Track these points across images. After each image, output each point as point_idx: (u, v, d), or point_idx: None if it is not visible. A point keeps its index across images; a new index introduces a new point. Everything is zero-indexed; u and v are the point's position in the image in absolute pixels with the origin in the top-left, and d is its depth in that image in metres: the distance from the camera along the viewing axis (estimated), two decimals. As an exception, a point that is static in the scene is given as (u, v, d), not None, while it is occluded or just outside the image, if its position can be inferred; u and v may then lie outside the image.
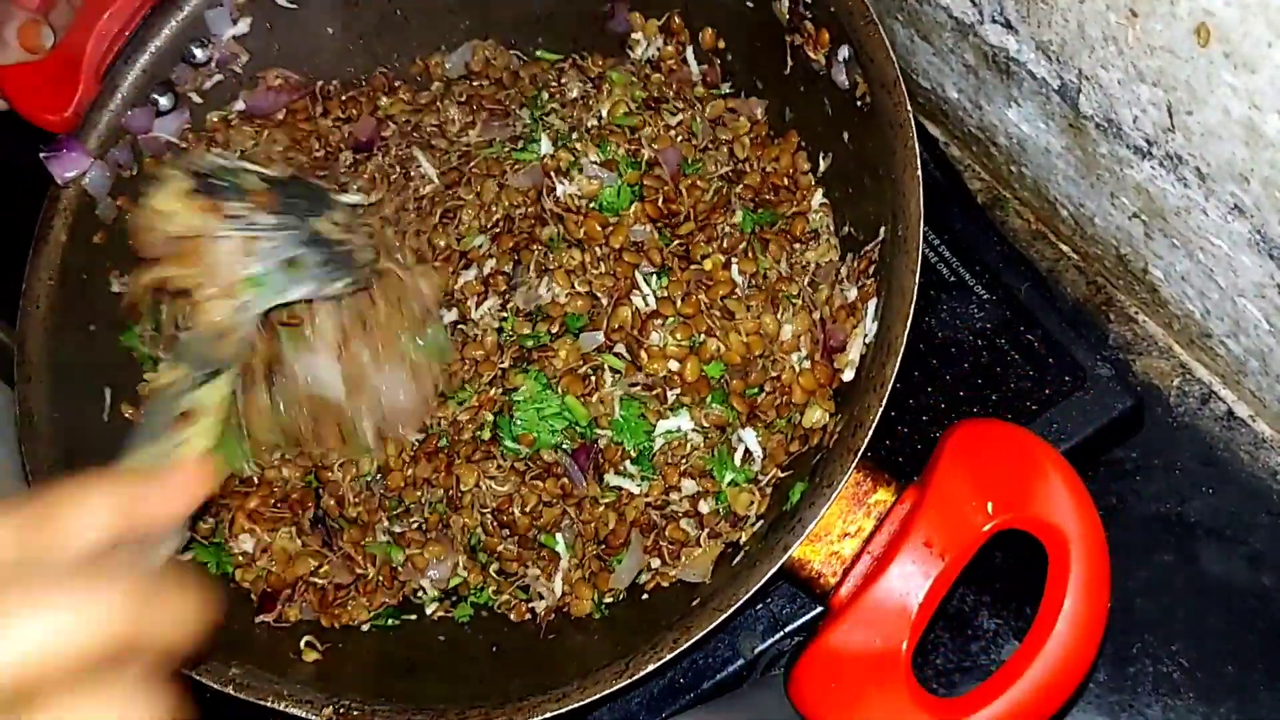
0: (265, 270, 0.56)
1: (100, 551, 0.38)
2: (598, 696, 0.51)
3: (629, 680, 0.50)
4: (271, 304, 0.57)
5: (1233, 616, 0.63)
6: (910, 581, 0.51)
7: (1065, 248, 0.76)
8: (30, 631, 0.33)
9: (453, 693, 0.56)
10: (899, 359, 0.51)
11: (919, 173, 0.54)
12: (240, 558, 0.64)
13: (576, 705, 0.51)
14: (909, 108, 0.55)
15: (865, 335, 0.57)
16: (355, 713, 0.55)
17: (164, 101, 0.71)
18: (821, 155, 0.65)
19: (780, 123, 0.68)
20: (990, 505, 0.52)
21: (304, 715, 0.55)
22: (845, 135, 0.62)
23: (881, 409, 0.50)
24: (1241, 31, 0.46)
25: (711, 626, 0.50)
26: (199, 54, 0.72)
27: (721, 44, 0.70)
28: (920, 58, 0.76)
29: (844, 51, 0.60)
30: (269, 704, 0.55)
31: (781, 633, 0.60)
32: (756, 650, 0.60)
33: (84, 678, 0.34)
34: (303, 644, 0.60)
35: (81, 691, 0.34)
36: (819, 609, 0.59)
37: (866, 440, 0.50)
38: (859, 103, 0.59)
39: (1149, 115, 0.56)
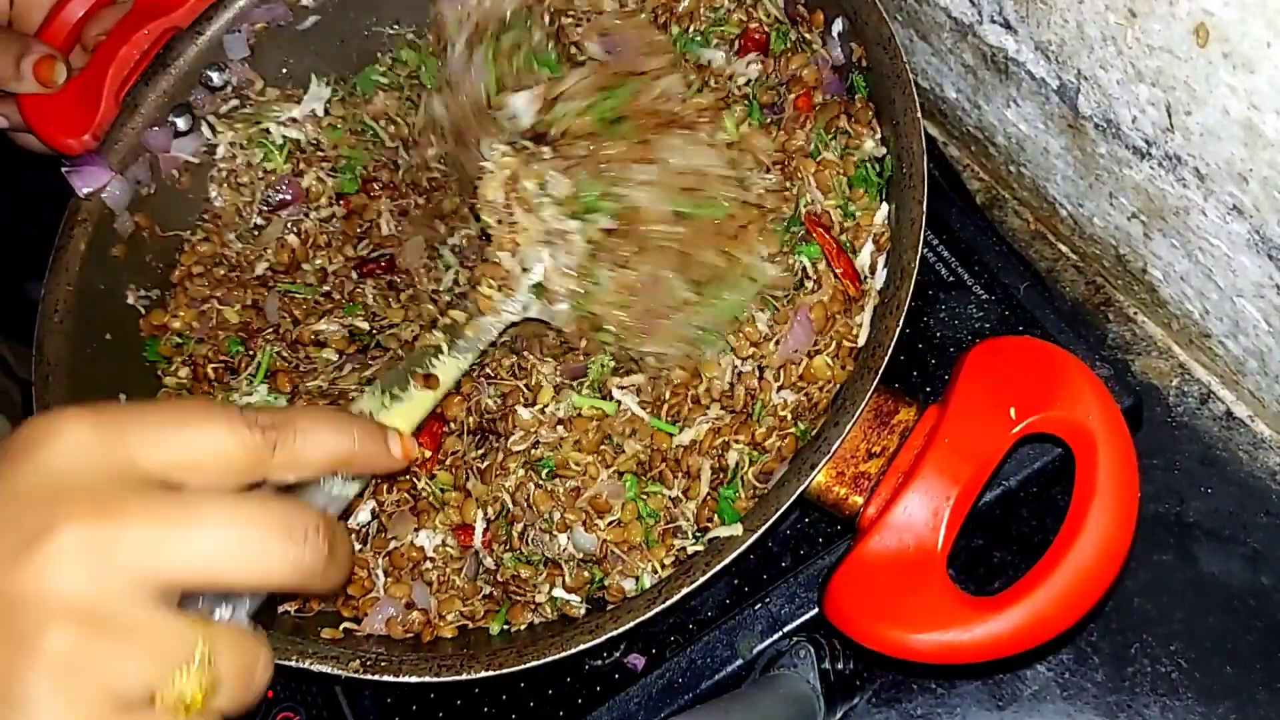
0: (541, 280, 0.60)
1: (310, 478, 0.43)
2: (632, 624, 0.51)
3: (664, 605, 0.51)
4: (531, 317, 0.61)
5: (1231, 616, 0.63)
6: (940, 489, 0.52)
7: (1064, 248, 0.76)
8: (220, 540, 0.36)
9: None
10: (912, 282, 0.54)
11: (918, 114, 0.57)
12: None
13: (611, 635, 0.52)
14: (904, 59, 0.58)
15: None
16: (383, 663, 0.55)
17: (181, 123, 0.73)
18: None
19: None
20: (1013, 410, 0.53)
21: (330, 670, 0.54)
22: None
23: (899, 329, 0.53)
24: (1240, 31, 0.46)
25: (743, 548, 0.51)
26: (216, 78, 0.74)
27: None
28: (919, 58, 0.76)
29: (839, 25, 0.62)
30: (294, 663, 0.54)
31: (780, 633, 0.60)
32: (755, 650, 0.60)
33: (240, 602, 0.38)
34: (323, 631, 0.60)
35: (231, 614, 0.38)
36: (816, 610, 0.59)
37: (886, 359, 0.52)
38: (857, 67, 0.62)
39: (1148, 115, 0.56)
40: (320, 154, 0.75)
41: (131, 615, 0.35)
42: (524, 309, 0.61)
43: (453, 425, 0.63)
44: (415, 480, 0.62)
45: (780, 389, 0.59)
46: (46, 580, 0.34)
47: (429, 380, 0.58)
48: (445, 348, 0.60)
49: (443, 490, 0.62)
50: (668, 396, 0.60)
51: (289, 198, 0.73)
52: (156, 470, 0.37)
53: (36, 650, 0.33)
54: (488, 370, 0.64)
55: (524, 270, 0.61)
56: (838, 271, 0.59)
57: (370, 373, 0.65)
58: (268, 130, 0.74)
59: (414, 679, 0.54)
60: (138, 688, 0.35)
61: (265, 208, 0.74)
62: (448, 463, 0.62)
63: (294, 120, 0.75)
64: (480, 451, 0.62)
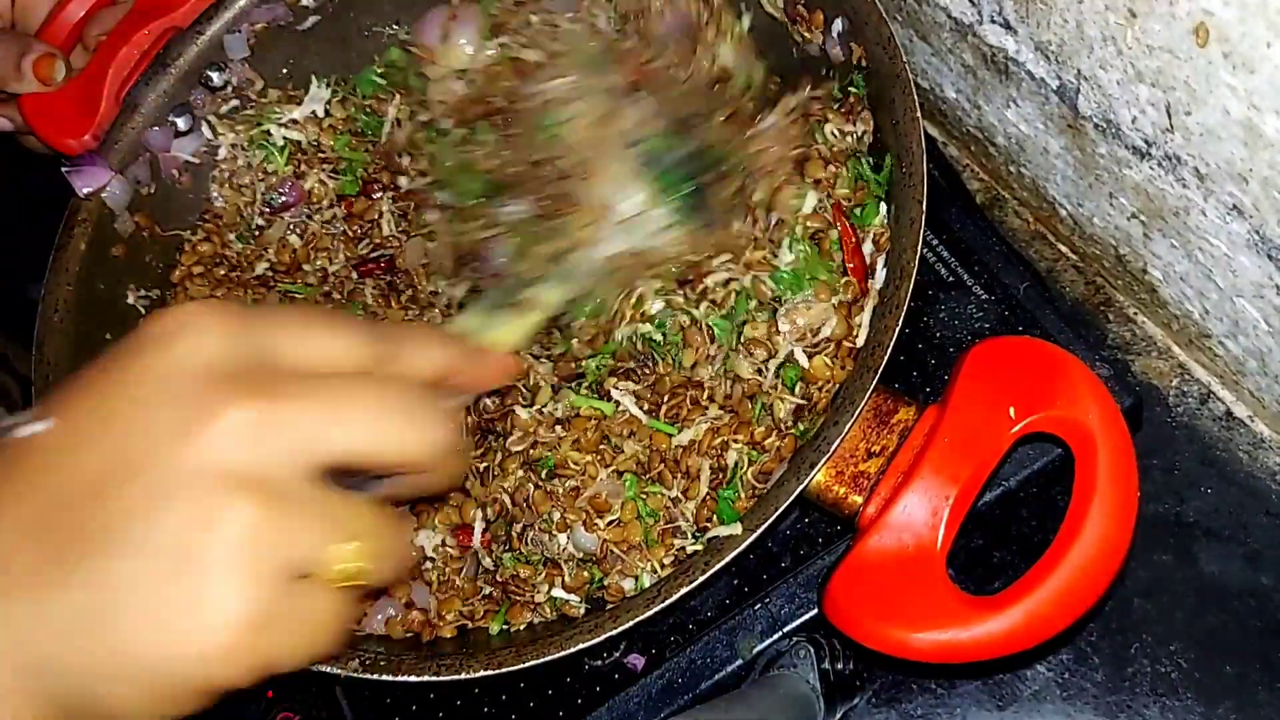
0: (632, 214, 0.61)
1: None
2: (631, 624, 0.51)
3: (663, 605, 0.51)
4: (631, 246, 0.61)
5: (1231, 616, 0.63)
6: (939, 489, 0.52)
7: (1064, 248, 0.76)
8: (374, 419, 0.38)
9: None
10: (911, 281, 0.54)
11: (918, 115, 0.57)
12: None
13: (610, 634, 0.52)
14: (904, 59, 0.58)
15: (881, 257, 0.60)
16: (382, 663, 0.54)
17: (181, 123, 0.73)
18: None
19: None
20: (1013, 410, 0.53)
21: (330, 670, 0.54)
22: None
23: (898, 328, 0.53)
24: (1240, 31, 0.46)
25: (743, 547, 0.51)
26: (216, 78, 0.74)
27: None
28: (919, 58, 0.76)
29: (838, 25, 0.62)
30: None
31: (780, 633, 0.60)
32: (755, 650, 0.60)
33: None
34: None
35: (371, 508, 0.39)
36: (816, 610, 0.59)
37: (885, 359, 0.52)
38: (856, 67, 0.62)
39: (1148, 115, 0.56)
40: (321, 155, 0.75)
41: (301, 490, 0.36)
42: (625, 237, 0.62)
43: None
44: None
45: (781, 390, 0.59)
46: (220, 454, 0.35)
47: (529, 304, 0.59)
48: (547, 275, 0.60)
49: None
50: (667, 397, 0.60)
51: (291, 200, 0.74)
52: (294, 363, 0.39)
53: (213, 518, 0.34)
54: None
55: (617, 203, 0.61)
56: (849, 266, 0.59)
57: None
58: (269, 132, 0.75)
59: (414, 679, 0.54)
60: (307, 559, 0.36)
61: (267, 209, 0.74)
62: None
63: (294, 122, 0.75)
64: (479, 452, 0.62)
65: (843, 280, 0.60)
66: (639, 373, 0.62)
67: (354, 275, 0.71)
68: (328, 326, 0.40)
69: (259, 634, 0.35)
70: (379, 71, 0.77)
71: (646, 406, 0.61)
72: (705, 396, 0.60)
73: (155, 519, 0.34)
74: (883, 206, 0.61)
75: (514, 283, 0.61)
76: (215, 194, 0.74)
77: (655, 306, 0.63)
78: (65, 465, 0.35)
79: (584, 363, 0.62)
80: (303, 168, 0.74)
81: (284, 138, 0.75)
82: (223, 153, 0.74)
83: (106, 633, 0.34)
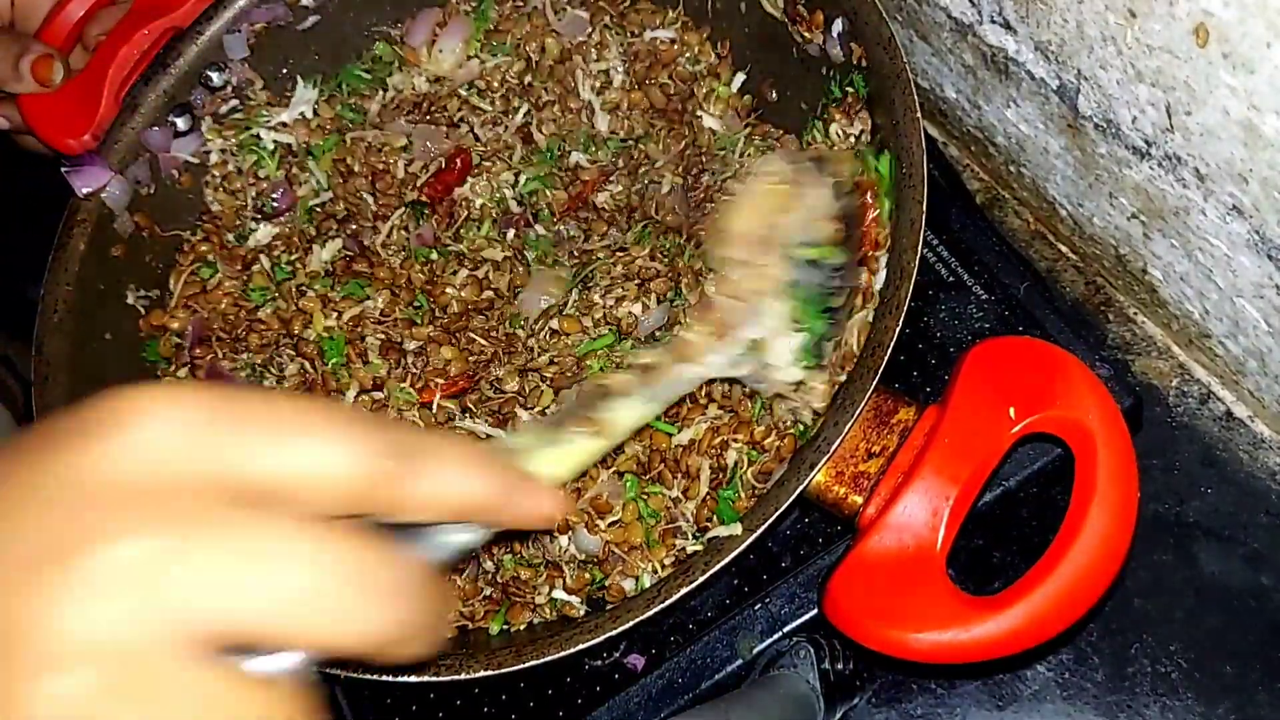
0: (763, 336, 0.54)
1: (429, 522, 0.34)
2: (631, 624, 0.51)
3: (662, 605, 0.51)
4: (736, 375, 0.55)
5: (1231, 616, 0.63)
6: (939, 489, 0.52)
7: (1064, 248, 0.76)
8: (297, 588, 0.28)
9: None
10: (911, 282, 0.54)
11: (918, 115, 0.57)
12: None
13: (610, 635, 0.52)
14: (904, 59, 0.58)
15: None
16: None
17: (181, 123, 0.73)
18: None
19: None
20: (1013, 410, 0.53)
21: (330, 670, 0.54)
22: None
23: (898, 329, 0.53)
24: (1240, 32, 0.46)
25: (743, 547, 0.51)
26: (215, 78, 0.74)
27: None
28: (919, 58, 0.76)
29: (838, 25, 0.62)
30: None
31: (780, 633, 0.60)
32: (755, 650, 0.60)
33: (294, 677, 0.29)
34: None
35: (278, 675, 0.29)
36: (816, 610, 0.59)
37: (885, 359, 0.52)
38: (856, 68, 0.62)
39: (1148, 116, 0.56)
40: (312, 157, 0.75)
41: (167, 669, 0.27)
42: (733, 364, 0.54)
43: None
44: None
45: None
46: (75, 605, 0.26)
47: (599, 425, 0.48)
48: (630, 392, 0.50)
49: None
50: None
51: (283, 206, 0.73)
52: (254, 483, 0.29)
53: (36, 692, 0.26)
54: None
55: (750, 320, 0.53)
56: (865, 253, 0.57)
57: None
58: (258, 136, 0.74)
59: (413, 679, 0.54)
60: None
61: (259, 216, 0.74)
62: None
63: (284, 125, 0.75)
64: None
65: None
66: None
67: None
68: (325, 436, 0.30)
69: None
70: (364, 66, 0.77)
71: None
72: (705, 395, 0.60)
73: None
74: (884, 202, 0.61)
75: (578, 405, 0.50)
76: (210, 199, 0.74)
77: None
78: None
79: (585, 364, 0.62)
80: (294, 170, 0.74)
81: (274, 141, 0.74)
82: (214, 158, 0.74)
83: None
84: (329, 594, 0.28)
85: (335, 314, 0.68)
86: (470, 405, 0.63)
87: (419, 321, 0.67)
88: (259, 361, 0.68)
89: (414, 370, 0.64)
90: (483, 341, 0.65)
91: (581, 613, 0.59)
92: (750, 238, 0.54)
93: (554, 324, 0.64)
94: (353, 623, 0.29)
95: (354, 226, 0.71)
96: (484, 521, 0.36)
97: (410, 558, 0.31)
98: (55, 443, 0.28)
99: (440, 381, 0.63)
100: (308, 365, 0.67)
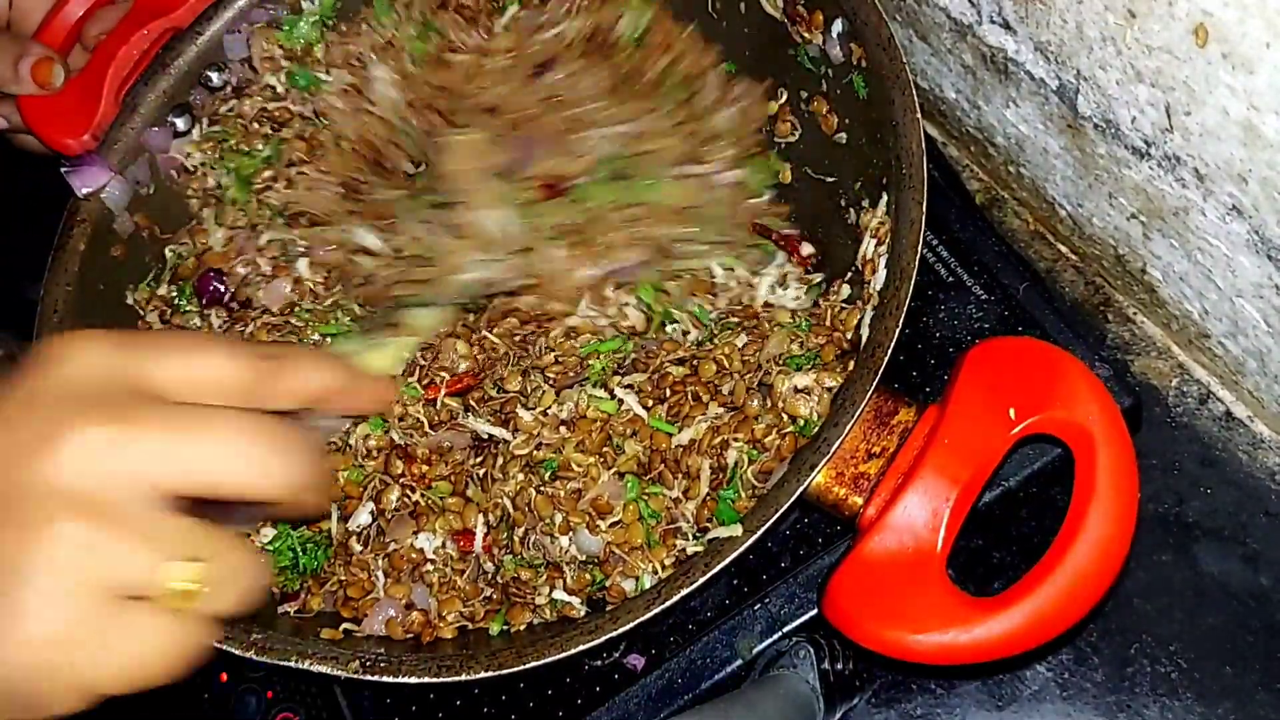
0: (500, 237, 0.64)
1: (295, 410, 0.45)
2: (631, 625, 0.51)
3: (662, 606, 0.51)
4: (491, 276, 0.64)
5: (1230, 617, 0.63)
6: (939, 490, 0.52)
7: (1063, 248, 0.76)
8: (223, 449, 0.39)
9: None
10: (911, 282, 0.54)
11: (917, 115, 0.57)
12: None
13: (610, 635, 0.52)
14: (904, 59, 0.58)
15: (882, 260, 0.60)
16: (383, 664, 0.54)
17: (181, 123, 0.73)
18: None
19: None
20: (1012, 411, 0.53)
21: (330, 671, 0.54)
22: (847, 120, 0.64)
23: (898, 329, 0.53)
24: (1240, 32, 0.46)
25: (743, 548, 0.51)
26: (215, 78, 0.74)
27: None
28: (918, 58, 0.76)
29: (838, 25, 0.62)
30: (294, 664, 0.54)
31: (780, 633, 0.61)
32: (755, 651, 0.61)
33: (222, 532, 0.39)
34: (323, 632, 0.60)
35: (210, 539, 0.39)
36: (815, 611, 0.59)
37: (886, 359, 0.53)
38: (856, 68, 0.62)
39: (1147, 116, 0.56)
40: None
41: (135, 513, 0.37)
42: (488, 267, 0.64)
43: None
44: (410, 492, 0.62)
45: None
46: (60, 474, 0.36)
47: (403, 329, 0.63)
48: (422, 298, 0.64)
49: (442, 498, 0.62)
50: (668, 395, 0.60)
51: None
52: (167, 387, 0.40)
53: (41, 535, 0.36)
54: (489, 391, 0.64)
55: (489, 230, 0.64)
56: None
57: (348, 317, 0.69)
58: (236, 146, 0.74)
59: (413, 680, 0.54)
60: (133, 579, 0.37)
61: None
62: (447, 473, 0.62)
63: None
64: (479, 459, 0.62)
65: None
66: (643, 362, 0.62)
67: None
68: (210, 351, 0.42)
69: (75, 651, 0.36)
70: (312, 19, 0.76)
71: (650, 403, 0.61)
72: (706, 394, 0.60)
73: None
74: (883, 200, 0.60)
75: (384, 314, 0.63)
76: (195, 207, 0.74)
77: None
78: None
79: (588, 364, 0.62)
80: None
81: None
82: (196, 171, 0.74)
83: None
84: (248, 450, 0.39)
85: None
86: (473, 403, 0.63)
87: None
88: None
89: (422, 363, 0.64)
90: (495, 340, 0.65)
91: (582, 613, 0.59)
92: (464, 177, 0.67)
93: (571, 321, 0.65)
94: (268, 471, 0.40)
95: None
96: (336, 408, 0.49)
97: (296, 430, 0.42)
98: (20, 374, 0.39)
99: (446, 377, 0.64)
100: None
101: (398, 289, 0.66)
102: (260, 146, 0.73)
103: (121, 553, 0.36)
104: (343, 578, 0.62)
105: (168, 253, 0.72)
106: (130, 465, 0.37)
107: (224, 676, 0.70)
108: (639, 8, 0.70)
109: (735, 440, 0.58)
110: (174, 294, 0.71)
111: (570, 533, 0.59)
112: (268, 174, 0.73)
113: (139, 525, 0.37)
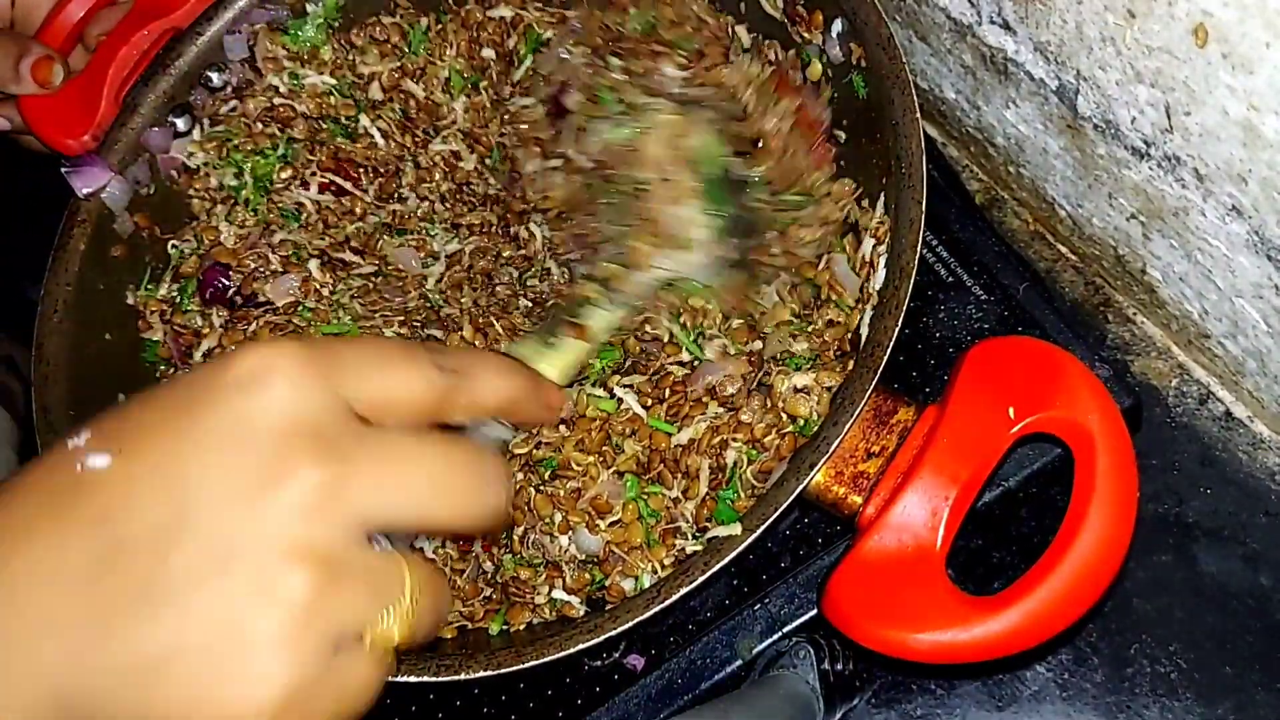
0: (705, 240, 0.62)
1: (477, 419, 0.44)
2: (630, 624, 0.51)
3: (662, 606, 0.51)
4: (691, 279, 0.62)
5: (1230, 617, 0.63)
6: (939, 489, 0.52)
7: (1063, 248, 0.76)
8: (430, 483, 0.37)
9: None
10: (910, 282, 0.54)
11: (917, 115, 0.57)
12: None
13: (609, 635, 0.52)
14: (904, 59, 0.58)
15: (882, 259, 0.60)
16: None
17: (181, 124, 0.73)
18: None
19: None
20: (1012, 411, 0.53)
21: None
22: (845, 121, 0.64)
23: (898, 328, 0.53)
24: (1240, 32, 0.46)
25: (742, 547, 0.51)
26: (215, 79, 0.74)
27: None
28: (918, 58, 0.76)
29: (838, 25, 0.62)
30: None
31: (780, 633, 0.61)
32: (755, 651, 0.61)
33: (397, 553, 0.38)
34: None
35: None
36: (815, 611, 0.59)
37: (885, 359, 0.53)
38: (855, 68, 0.62)
39: (1147, 116, 0.56)
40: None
41: (355, 557, 0.35)
42: (677, 264, 0.62)
43: None
44: None
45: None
46: (281, 520, 0.34)
47: (581, 330, 0.60)
48: (598, 299, 0.61)
49: None
50: (667, 394, 0.60)
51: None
52: (365, 408, 0.38)
53: (266, 590, 0.34)
54: None
55: (683, 227, 0.62)
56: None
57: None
58: (238, 146, 0.74)
59: (413, 679, 0.54)
60: (355, 628, 0.35)
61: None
62: None
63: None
64: None
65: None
66: (643, 364, 0.62)
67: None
68: (400, 361, 0.39)
69: (301, 706, 0.34)
70: (318, 22, 0.76)
71: (649, 403, 0.61)
72: (705, 393, 0.60)
73: (211, 584, 0.34)
74: (882, 200, 0.61)
75: (561, 314, 0.60)
76: (196, 208, 0.74)
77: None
78: (124, 512, 0.34)
79: (589, 363, 0.63)
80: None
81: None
82: (199, 171, 0.74)
83: (146, 694, 0.34)
84: (453, 484, 0.38)
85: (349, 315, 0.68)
86: None
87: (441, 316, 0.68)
88: None
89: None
90: (500, 331, 0.65)
91: (581, 613, 0.59)
92: (663, 160, 0.62)
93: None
94: (476, 504, 0.38)
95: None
96: (515, 418, 0.46)
97: (486, 449, 0.40)
98: (214, 396, 0.36)
99: None
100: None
101: (575, 288, 0.64)
102: (272, 146, 0.73)
103: (345, 602, 0.35)
104: None
105: (170, 250, 0.72)
106: (348, 507, 0.35)
107: (224, 676, 0.69)
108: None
109: (735, 440, 0.58)
110: (175, 294, 0.71)
111: (570, 532, 0.59)
112: (286, 174, 0.73)
113: (357, 569, 0.35)
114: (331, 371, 0.37)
